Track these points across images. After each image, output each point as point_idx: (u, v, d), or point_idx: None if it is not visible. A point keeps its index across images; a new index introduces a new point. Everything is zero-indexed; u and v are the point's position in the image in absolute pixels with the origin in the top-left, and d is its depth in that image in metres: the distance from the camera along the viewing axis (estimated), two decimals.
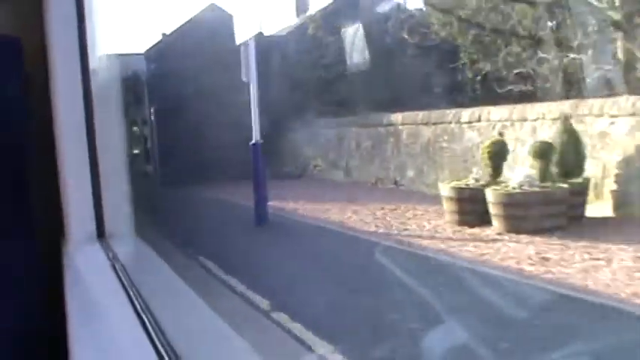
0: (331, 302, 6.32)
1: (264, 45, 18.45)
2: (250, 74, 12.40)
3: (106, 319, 1.39)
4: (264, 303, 6.38)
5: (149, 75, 20.44)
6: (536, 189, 9.01)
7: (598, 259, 7.20)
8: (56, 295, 1.67)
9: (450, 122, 12.91)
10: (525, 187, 8.99)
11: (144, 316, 1.32)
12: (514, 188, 9.05)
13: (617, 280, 6.47)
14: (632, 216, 8.81)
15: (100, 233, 1.97)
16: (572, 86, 13.44)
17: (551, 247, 7.86)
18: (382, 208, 11.32)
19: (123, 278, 1.59)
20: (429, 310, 5.53)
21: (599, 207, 9.42)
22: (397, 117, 14.68)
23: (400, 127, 14.56)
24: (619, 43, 13.38)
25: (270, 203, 11.42)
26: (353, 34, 18.39)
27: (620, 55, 13.45)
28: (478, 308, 5.74)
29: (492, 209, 8.97)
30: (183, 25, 20.26)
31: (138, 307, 1.39)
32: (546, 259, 7.36)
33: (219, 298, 6.64)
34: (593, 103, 10.07)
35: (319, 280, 7.39)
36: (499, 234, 8.67)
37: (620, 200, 9.26)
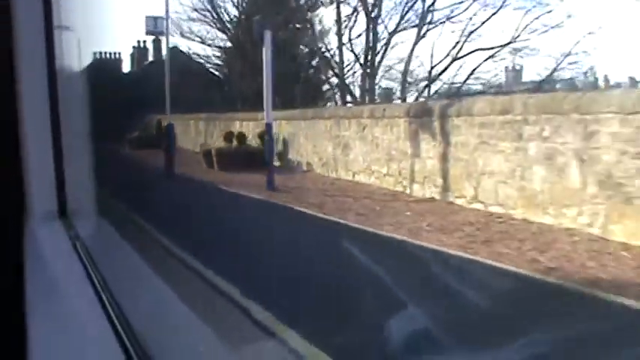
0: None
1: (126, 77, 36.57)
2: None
3: (64, 298, 1.38)
4: None
5: None
6: None
7: None
8: (17, 274, 1.66)
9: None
10: None
11: (103, 295, 1.32)
12: None
13: None
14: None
15: (62, 212, 1.95)
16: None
17: None
18: None
19: (84, 257, 1.58)
20: None
21: None
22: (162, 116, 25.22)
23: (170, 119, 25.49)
24: None
25: None
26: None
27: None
28: None
29: None
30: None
31: (98, 286, 1.39)
32: None
33: None
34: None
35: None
36: None
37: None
